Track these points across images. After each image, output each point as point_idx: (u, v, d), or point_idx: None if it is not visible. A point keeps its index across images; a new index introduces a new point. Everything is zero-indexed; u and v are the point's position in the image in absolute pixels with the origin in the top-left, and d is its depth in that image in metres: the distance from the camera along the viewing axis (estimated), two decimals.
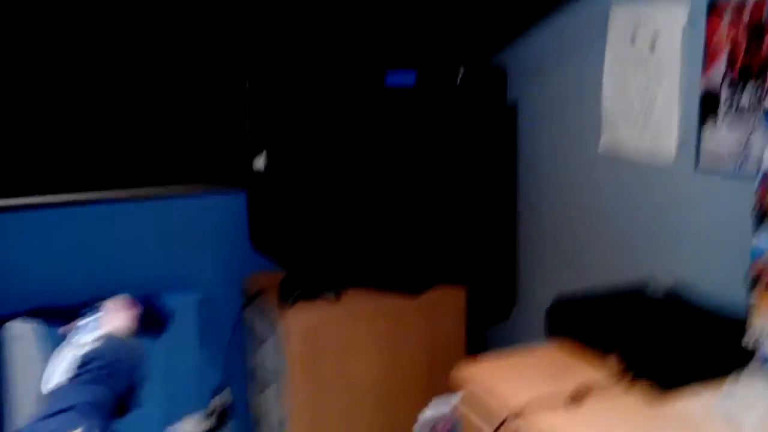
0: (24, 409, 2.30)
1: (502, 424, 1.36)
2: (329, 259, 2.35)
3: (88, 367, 1.22)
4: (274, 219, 2.43)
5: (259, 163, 2.44)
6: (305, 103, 2.35)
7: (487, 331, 2.64)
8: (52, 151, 2.40)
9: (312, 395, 2.21)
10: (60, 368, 1.25)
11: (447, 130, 2.21)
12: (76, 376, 1.21)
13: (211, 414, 2.63)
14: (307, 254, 2.37)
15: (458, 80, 2.18)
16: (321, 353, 2.19)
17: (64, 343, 1.36)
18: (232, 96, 2.51)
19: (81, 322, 1.43)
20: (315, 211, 2.35)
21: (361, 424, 2.27)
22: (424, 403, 2.00)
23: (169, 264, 2.54)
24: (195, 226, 2.55)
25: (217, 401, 2.59)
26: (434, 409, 1.97)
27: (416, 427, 2.00)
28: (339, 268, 2.34)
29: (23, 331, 2.30)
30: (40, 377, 2.32)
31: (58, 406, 1.09)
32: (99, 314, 1.47)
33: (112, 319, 1.43)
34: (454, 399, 1.73)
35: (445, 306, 2.37)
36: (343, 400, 2.24)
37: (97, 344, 1.31)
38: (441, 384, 1.89)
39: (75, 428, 1.03)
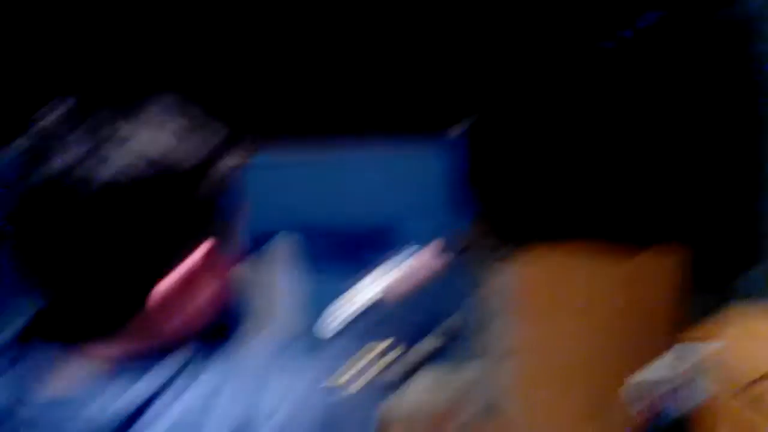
0: (277, 320, 2.64)
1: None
2: (547, 211, 2.41)
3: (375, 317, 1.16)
4: (492, 170, 2.51)
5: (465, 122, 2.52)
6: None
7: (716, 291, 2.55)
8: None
9: (541, 334, 2.34)
10: (346, 312, 1.20)
11: (687, 77, 2.14)
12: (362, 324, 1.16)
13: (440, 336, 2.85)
14: (525, 207, 2.44)
15: (699, 29, 2.10)
16: (552, 291, 2.32)
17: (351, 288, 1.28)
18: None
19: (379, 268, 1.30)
20: (533, 162, 2.40)
21: (574, 384, 2.37)
22: (635, 365, 2.03)
23: (386, 215, 2.72)
24: (399, 180, 2.70)
25: (448, 324, 2.80)
26: (653, 372, 2.00)
27: (627, 390, 2.04)
28: (556, 219, 2.39)
29: (286, 246, 2.62)
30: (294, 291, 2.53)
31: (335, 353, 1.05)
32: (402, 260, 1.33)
33: (415, 267, 1.30)
34: (688, 358, 1.69)
35: (666, 266, 2.35)
36: (570, 338, 2.33)
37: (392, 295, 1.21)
38: (652, 348, 1.91)
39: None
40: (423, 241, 2.73)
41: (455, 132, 2.57)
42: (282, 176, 2.60)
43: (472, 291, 2.69)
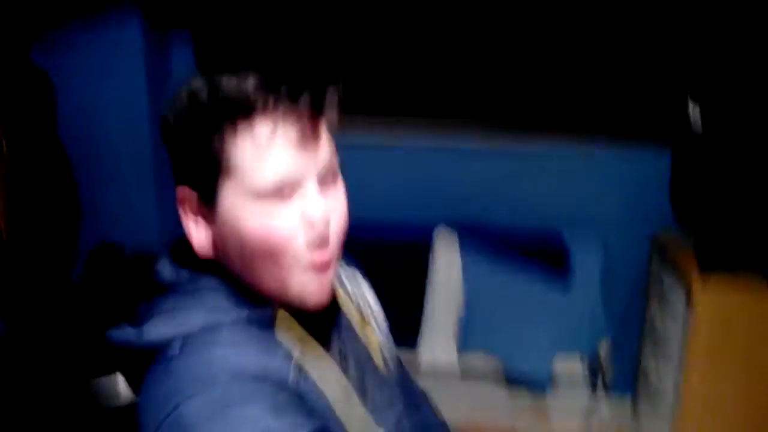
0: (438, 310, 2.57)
1: None
2: (758, 235, 2.21)
3: None
4: (699, 181, 2.33)
5: (694, 118, 2.34)
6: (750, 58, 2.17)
7: None
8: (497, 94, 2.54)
9: (713, 372, 2.11)
10: None
11: None
12: None
13: (592, 360, 2.69)
14: (732, 226, 2.25)
15: None
16: (731, 331, 2.09)
17: None
18: (669, 48, 2.40)
19: None
20: (748, 181, 2.20)
21: (761, 418, 2.16)
22: None
23: (579, 208, 2.60)
24: (613, 174, 2.56)
25: (600, 350, 2.65)
26: None
27: None
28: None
29: (448, 239, 2.55)
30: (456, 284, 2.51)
31: None
32: None
33: None
34: None
35: None
36: (744, 387, 2.11)
37: None
38: None
39: None
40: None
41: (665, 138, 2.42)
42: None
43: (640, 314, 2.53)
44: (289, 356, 0.79)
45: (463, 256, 2.51)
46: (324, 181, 0.78)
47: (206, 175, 0.78)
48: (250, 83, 0.74)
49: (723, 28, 2.27)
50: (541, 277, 2.54)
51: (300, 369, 0.79)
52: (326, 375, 0.83)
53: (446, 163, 2.57)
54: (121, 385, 1.73)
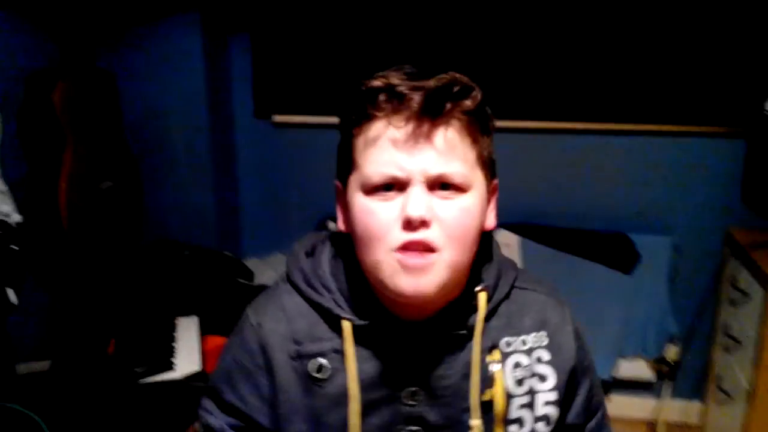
0: None
1: None
2: None
3: None
4: None
5: None
6: None
7: None
8: (560, 81, 2.48)
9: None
10: None
11: None
12: None
13: (660, 362, 2.56)
14: None
15: None
16: None
17: None
18: (749, 34, 2.28)
19: None
20: None
21: None
22: None
23: (647, 203, 2.48)
24: (682, 168, 2.43)
25: (669, 351, 2.52)
26: None
27: None
28: None
29: (509, 240, 2.47)
30: None
31: None
32: None
33: None
34: None
35: None
36: None
37: None
38: None
39: None
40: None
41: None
42: None
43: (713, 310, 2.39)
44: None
45: (523, 257, 2.44)
46: (439, 188, 0.80)
47: (343, 168, 0.86)
48: (373, 86, 0.81)
49: None
50: (606, 277, 2.44)
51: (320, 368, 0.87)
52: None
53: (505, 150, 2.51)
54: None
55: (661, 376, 2.57)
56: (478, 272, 0.89)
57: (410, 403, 0.86)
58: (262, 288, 2.39)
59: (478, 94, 0.83)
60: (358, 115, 0.82)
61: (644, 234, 2.46)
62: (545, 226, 2.48)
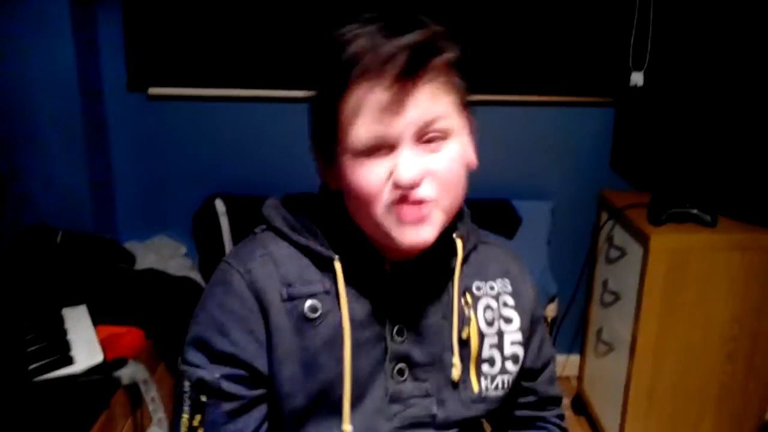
0: None
1: None
2: (701, 186, 2.26)
3: None
4: (643, 138, 2.37)
5: (637, 78, 2.38)
6: (696, 18, 2.22)
7: None
8: None
9: (666, 318, 2.16)
10: None
11: None
12: None
13: None
14: (676, 179, 2.30)
15: None
16: (683, 278, 2.13)
17: None
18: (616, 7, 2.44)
19: None
20: (688, 134, 2.26)
21: (709, 363, 2.18)
22: None
23: (525, 171, 2.60)
24: (556, 136, 2.56)
25: (549, 310, 2.67)
26: None
27: None
28: (711, 195, 2.23)
29: None
30: None
31: None
32: None
33: None
34: None
35: None
36: (695, 333, 2.16)
37: None
38: None
39: None
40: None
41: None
42: None
43: (590, 263, 2.54)
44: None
45: None
46: (425, 142, 0.82)
47: (325, 138, 0.87)
48: (348, 50, 0.80)
49: None
50: None
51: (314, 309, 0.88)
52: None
53: None
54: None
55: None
56: (454, 221, 0.94)
57: (397, 339, 0.91)
58: (147, 272, 2.28)
59: (456, 46, 0.85)
60: (338, 85, 0.81)
61: (524, 200, 2.58)
62: None
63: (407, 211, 0.82)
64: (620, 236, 2.31)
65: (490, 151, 2.49)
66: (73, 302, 1.96)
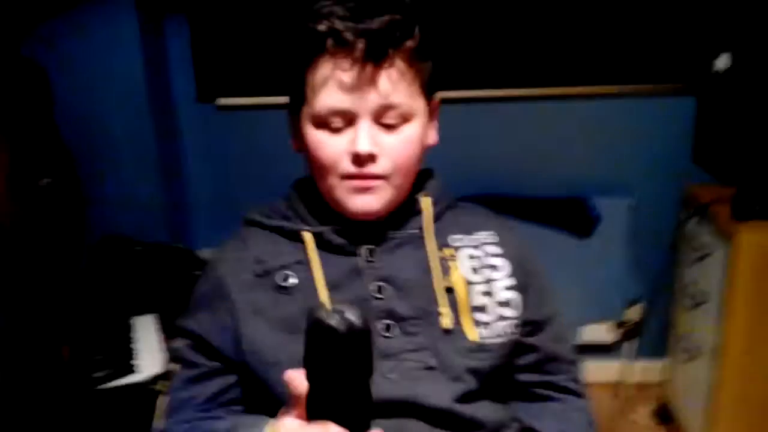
0: None
1: None
2: None
3: None
4: (727, 128, 2.21)
5: (721, 63, 2.22)
6: None
7: None
8: (507, 47, 2.43)
9: (755, 321, 2.02)
10: None
11: None
12: None
13: (622, 325, 2.58)
14: (764, 171, 2.13)
15: None
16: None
17: None
18: None
19: None
20: None
21: None
22: None
23: (603, 166, 2.49)
24: (635, 129, 2.44)
25: (631, 313, 2.54)
26: None
27: None
28: None
29: None
30: None
31: None
32: None
33: None
34: None
35: None
36: None
37: None
38: None
39: None
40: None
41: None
42: None
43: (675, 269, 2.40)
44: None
45: None
46: (384, 121, 0.89)
47: (294, 101, 0.94)
48: (319, 27, 0.86)
49: None
50: (566, 243, 2.44)
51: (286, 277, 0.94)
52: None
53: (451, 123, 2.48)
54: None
55: (624, 337, 2.59)
56: (422, 183, 0.99)
57: (378, 296, 0.93)
58: None
59: (418, 31, 0.89)
60: (305, 55, 0.89)
61: (601, 197, 2.46)
62: (501, 196, 2.45)
63: (357, 182, 0.90)
64: (704, 234, 2.17)
65: (564, 148, 2.45)
66: (146, 310, 2.02)
